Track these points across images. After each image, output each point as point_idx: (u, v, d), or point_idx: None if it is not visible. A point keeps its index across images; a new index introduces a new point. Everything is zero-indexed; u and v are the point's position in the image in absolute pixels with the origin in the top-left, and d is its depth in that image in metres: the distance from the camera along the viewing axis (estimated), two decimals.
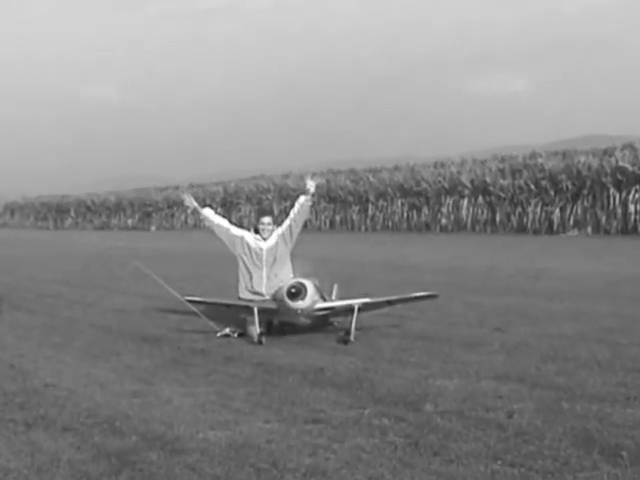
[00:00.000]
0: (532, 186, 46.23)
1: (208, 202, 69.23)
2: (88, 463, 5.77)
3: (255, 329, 10.36)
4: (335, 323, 11.42)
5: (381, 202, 55.66)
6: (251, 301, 10.96)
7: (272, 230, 11.33)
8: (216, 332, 10.88)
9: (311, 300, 10.32)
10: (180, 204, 73.30)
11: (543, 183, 45.76)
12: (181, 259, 28.53)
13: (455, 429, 6.24)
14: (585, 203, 43.70)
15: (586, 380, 7.74)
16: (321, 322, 11.14)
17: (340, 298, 11.53)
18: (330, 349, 9.86)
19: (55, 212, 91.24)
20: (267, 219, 11.40)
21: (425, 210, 52.43)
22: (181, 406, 7.21)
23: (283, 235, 11.36)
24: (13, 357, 9.71)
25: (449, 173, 52.58)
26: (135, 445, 6.09)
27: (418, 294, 11.09)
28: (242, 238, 11.36)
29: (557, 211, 44.66)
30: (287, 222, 11.43)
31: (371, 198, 56.20)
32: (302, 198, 11.45)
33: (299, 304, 10.25)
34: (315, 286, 10.51)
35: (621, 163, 42.96)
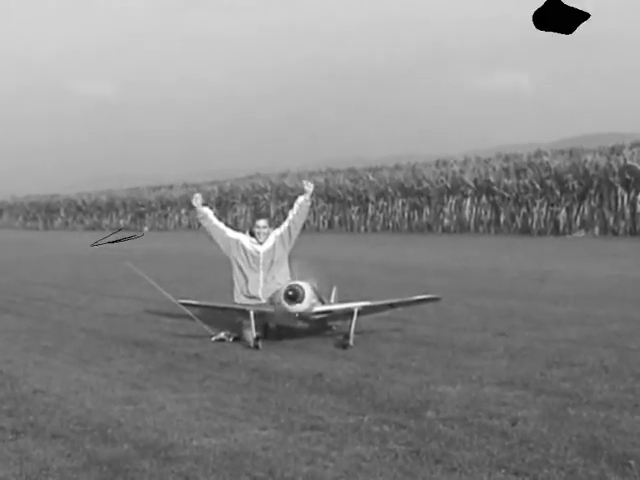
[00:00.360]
0: (537, 186, 46.24)
1: (203, 202, 69.37)
2: (79, 472, 5.77)
3: (251, 333, 10.36)
4: (334, 327, 11.41)
5: (381, 202, 55.67)
6: (247, 305, 10.96)
7: (268, 233, 11.34)
8: (211, 336, 10.88)
9: (309, 303, 10.32)
10: (174, 204, 73.44)
11: (548, 182, 45.76)
12: (175, 261, 28.53)
13: (458, 437, 6.24)
14: (592, 203, 43.70)
15: (593, 386, 7.74)
16: (319, 326, 11.14)
17: (339, 301, 11.54)
18: (329, 354, 9.86)
19: (45, 212, 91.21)
20: (262, 222, 11.39)
21: (427, 210, 52.44)
22: (174, 413, 7.21)
23: (281, 237, 11.36)
24: (0, 362, 9.71)
25: (451, 172, 52.59)
26: (127, 453, 6.09)
27: (420, 297, 11.09)
28: (237, 241, 11.37)
29: (563, 211, 44.67)
30: (286, 224, 11.44)
31: (371, 198, 56.21)
32: (301, 198, 11.46)
33: (297, 307, 10.24)
34: (313, 288, 10.51)
35: (629, 162, 42.97)
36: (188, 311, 11.34)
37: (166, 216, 75.24)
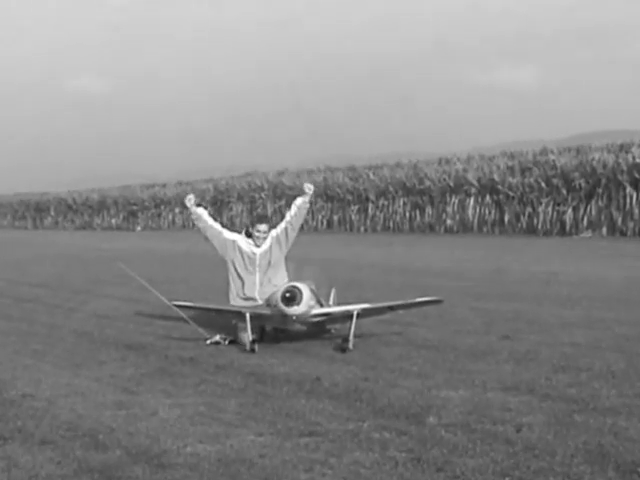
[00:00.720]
0: (543, 184, 46.24)
1: (197, 200, 69.34)
2: (69, 479, 5.77)
3: (247, 336, 10.36)
4: (333, 330, 11.42)
5: (382, 201, 55.65)
6: (243, 307, 10.96)
7: (266, 238, 11.32)
8: (205, 339, 10.88)
9: (307, 305, 10.32)
10: (168, 202, 73.44)
11: (555, 181, 45.76)
12: (168, 261, 28.52)
13: (460, 443, 6.24)
14: (600, 203, 43.70)
15: (600, 392, 7.74)
16: (318, 329, 11.14)
17: (338, 303, 11.54)
18: (327, 357, 9.86)
19: (34, 211, 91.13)
20: (263, 227, 11.34)
21: (429, 210, 52.43)
22: (168, 418, 7.21)
23: (278, 238, 11.36)
24: None
25: (454, 170, 52.57)
26: (119, 460, 6.09)
27: (421, 299, 11.09)
28: (234, 242, 11.36)
29: (570, 211, 44.66)
30: (283, 225, 11.43)
31: (371, 197, 56.20)
32: (299, 200, 11.46)
33: (294, 309, 10.24)
34: (311, 290, 10.51)
35: (639, 160, 42.98)
36: (182, 313, 11.34)
37: (159, 215, 75.21)
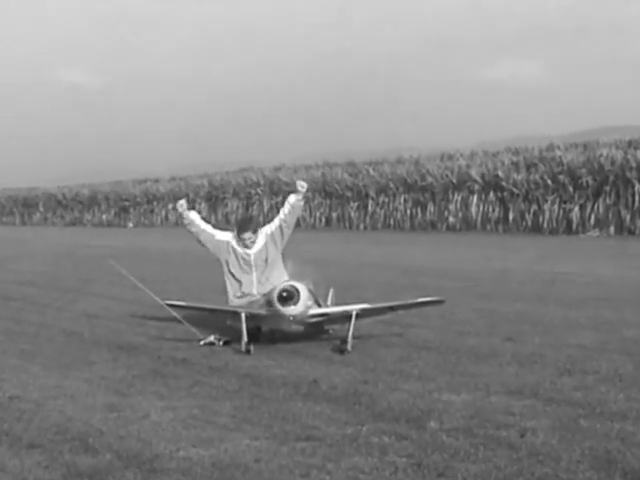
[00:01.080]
0: (549, 181, 46.25)
1: (191, 196, 69.31)
2: None
3: (243, 337, 10.35)
4: (331, 331, 11.42)
5: (382, 198, 55.65)
6: (238, 307, 10.96)
7: (255, 239, 11.28)
8: (199, 340, 10.88)
9: (304, 305, 10.33)
10: (161, 198, 73.39)
11: (561, 178, 45.77)
12: (161, 259, 28.53)
13: (462, 448, 6.25)
14: (607, 200, 43.71)
15: (607, 396, 7.75)
16: (315, 330, 11.14)
17: (336, 303, 11.54)
18: (325, 359, 9.87)
19: (22, 206, 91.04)
20: (248, 234, 11.28)
21: (431, 207, 52.43)
22: (160, 421, 7.21)
23: (272, 236, 11.35)
24: None
25: (457, 166, 52.56)
26: (109, 464, 6.09)
27: (422, 299, 11.10)
28: (228, 243, 11.36)
29: (576, 209, 44.68)
30: (277, 222, 11.42)
31: (371, 193, 56.20)
32: (293, 198, 11.43)
33: (291, 309, 10.25)
34: (309, 290, 10.51)
35: None
36: (175, 313, 11.34)
37: (152, 211, 75.18)
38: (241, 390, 8.32)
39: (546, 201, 45.98)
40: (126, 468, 5.99)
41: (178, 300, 11.66)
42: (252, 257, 11.26)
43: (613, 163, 44.20)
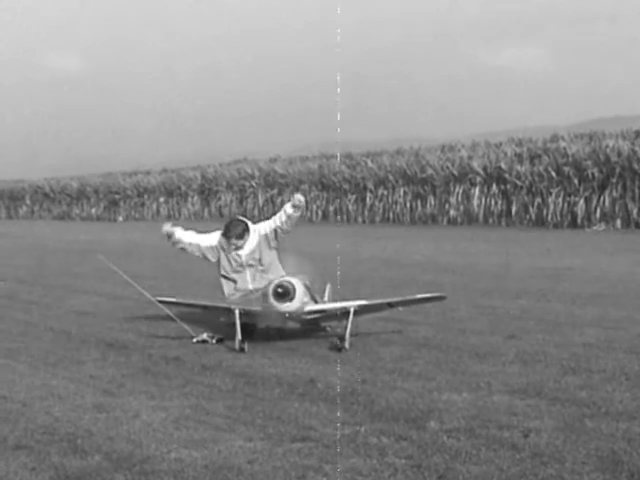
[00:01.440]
0: (553, 173, 46.26)
1: (183, 189, 69.33)
2: None
3: (236, 334, 10.35)
4: (328, 328, 11.43)
5: (381, 190, 55.63)
6: (232, 303, 10.97)
7: (244, 243, 11.23)
8: (192, 338, 10.88)
9: (300, 301, 10.33)
10: (152, 191, 73.38)
11: (566, 170, 45.77)
12: (153, 254, 28.50)
13: (463, 449, 6.25)
14: (614, 193, 43.73)
15: (613, 395, 7.76)
16: (312, 327, 11.15)
17: (333, 300, 11.55)
18: (322, 358, 9.87)
19: (8, 199, 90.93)
20: (233, 240, 11.23)
21: (431, 200, 52.42)
22: (151, 422, 7.21)
23: (266, 237, 11.27)
24: None
25: (459, 158, 52.54)
26: (98, 466, 6.09)
27: (422, 295, 11.11)
28: (216, 247, 11.31)
29: (581, 202, 44.69)
30: (272, 225, 11.26)
31: (369, 186, 56.17)
32: (289, 209, 11.19)
33: (287, 306, 10.25)
34: (305, 286, 10.52)
35: None
36: (167, 310, 11.35)
37: (143, 204, 75.10)
38: (235, 389, 8.33)
39: (550, 194, 45.99)
40: (116, 470, 5.99)
41: (170, 296, 11.67)
42: (243, 258, 11.25)
43: (620, 154, 44.20)
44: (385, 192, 55.38)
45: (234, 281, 11.28)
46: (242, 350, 10.20)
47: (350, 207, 57.28)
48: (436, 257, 25.50)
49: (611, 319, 12.24)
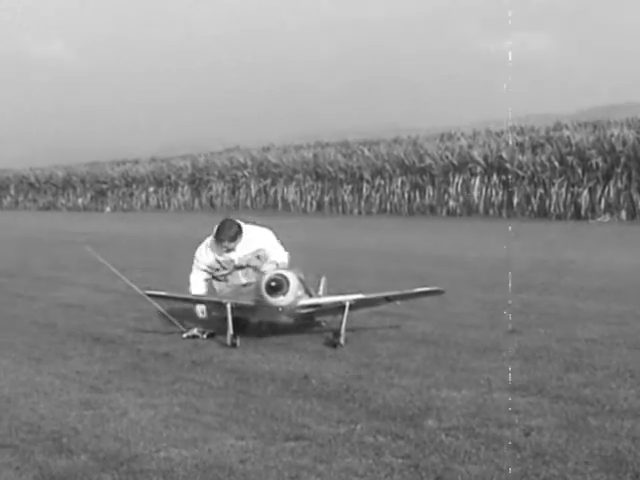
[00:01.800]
0: (556, 163, 46.29)
1: (173, 179, 69.24)
2: None
3: (228, 329, 10.35)
4: (322, 323, 11.43)
5: (378, 180, 55.64)
6: (223, 297, 10.97)
7: (237, 243, 11.19)
8: (182, 333, 10.88)
9: (294, 295, 10.32)
10: (140, 181, 73.25)
11: (569, 160, 45.81)
12: (141, 245, 28.50)
13: (462, 449, 6.25)
14: (619, 184, 43.77)
15: (617, 392, 7.77)
16: (306, 321, 11.15)
17: (328, 293, 11.54)
18: (316, 353, 9.87)
19: None
20: (225, 242, 11.18)
21: (429, 190, 52.44)
22: (139, 420, 7.20)
23: (258, 257, 11.22)
24: None
25: (458, 147, 52.57)
26: (84, 465, 6.09)
27: (420, 289, 11.09)
28: (210, 260, 11.25)
29: (585, 193, 44.74)
30: (270, 256, 11.13)
31: (366, 176, 56.17)
32: (280, 260, 11.12)
33: (280, 300, 10.24)
34: (299, 279, 10.50)
35: None
36: (156, 304, 11.34)
37: (131, 195, 75.07)
38: (226, 386, 8.32)
39: (553, 184, 46.02)
40: (103, 470, 5.99)
41: (159, 290, 11.65)
42: (236, 261, 11.21)
43: (625, 144, 44.22)
44: (382, 182, 55.38)
45: (226, 280, 11.28)
46: (234, 345, 10.20)
47: (346, 198, 57.27)
48: (435, 249, 25.52)
49: (615, 314, 12.25)
